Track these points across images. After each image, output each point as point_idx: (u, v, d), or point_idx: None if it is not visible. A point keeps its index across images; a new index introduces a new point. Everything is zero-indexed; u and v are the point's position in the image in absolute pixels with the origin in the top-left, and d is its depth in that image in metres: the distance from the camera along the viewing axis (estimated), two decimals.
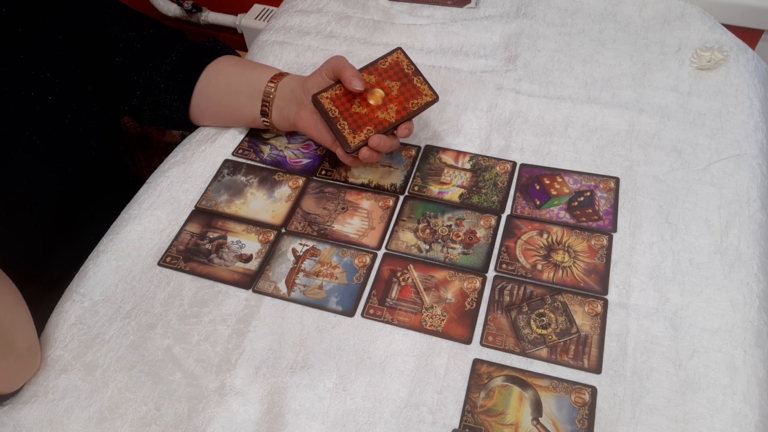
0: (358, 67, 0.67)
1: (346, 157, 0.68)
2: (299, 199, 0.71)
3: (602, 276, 0.61)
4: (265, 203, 0.71)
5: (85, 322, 0.61)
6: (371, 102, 0.67)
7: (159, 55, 0.76)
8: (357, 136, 0.66)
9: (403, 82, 0.68)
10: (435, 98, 0.68)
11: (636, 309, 0.59)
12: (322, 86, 0.67)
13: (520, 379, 0.55)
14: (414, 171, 0.73)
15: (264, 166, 0.75)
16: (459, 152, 0.74)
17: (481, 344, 0.58)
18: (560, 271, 0.62)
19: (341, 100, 0.67)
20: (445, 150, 0.75)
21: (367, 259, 0.65)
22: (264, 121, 0.74)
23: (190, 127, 0.81)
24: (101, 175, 0.77)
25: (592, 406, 0.53)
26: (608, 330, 0.58)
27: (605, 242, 0.64)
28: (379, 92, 0.67)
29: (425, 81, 0.68)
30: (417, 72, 0.68)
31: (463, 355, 0.57)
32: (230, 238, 0.68)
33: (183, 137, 0.81)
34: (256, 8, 1.65)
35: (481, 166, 0.73)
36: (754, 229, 0.63)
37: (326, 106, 0.67)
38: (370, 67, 0.68)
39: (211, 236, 0.68)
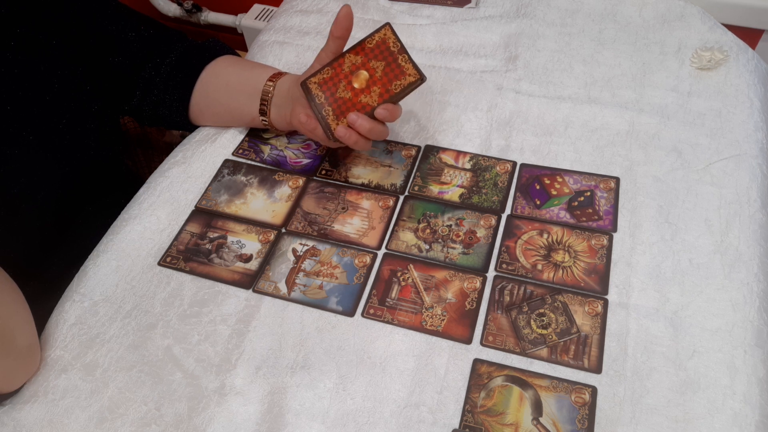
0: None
1: (330, 141, 0.67)
2: (299, 199, 0.71)
3: (602, 276, 0.61)
4: (265, 203, 0.71)
5: (85, 322, 0.61)
6: (355, 85, 0.65)
7: (158, 55, 0.76)
8: (340, 123, 0.65)
9: (387, 62, 0.65)
10: (419, 78, 0.64)
11: (636, 309, 0.59)
12: None
13: (520, 379, 0.55)
14: (414, 171, 0.73)
15: (264, 166, 0.75)
16: (459, 152, 0.74)
17: (481, 344, 0.58)
18: (560, 271, 0.62)
19: (328, 84, 0.66)
20: (445, 150, 0.75)
21: (368, 259, 0.65)
22: (263, 120, 0.74)
23: (190, 127, 0.81)
24: (101, 175, 0.77)
25: (592, 406, 0.53)
26: (608, 330, 0.58)
27: (605, 242, 0.64)
28: (364, 74, 0.65)
29: (410, 59, 0.65)
30: (402, 49, 0.65)
31: (463, 355, 0.57)
32: (230, 238, 0.68)
33: (183, 137, 0.81)
34: (256, 8, 1.65)
35: (481, 166, 0.73)
36: (754, 229, 0.63)
37: (313, 92, 0.66)
38: (357, 47, 0.66)
39: (211, 236, 0.68)
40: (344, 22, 0.64)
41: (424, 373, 0.56)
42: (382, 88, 0.65)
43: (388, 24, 0.65)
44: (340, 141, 0.66)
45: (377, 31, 0.65)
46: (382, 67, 0.65)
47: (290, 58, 0.89)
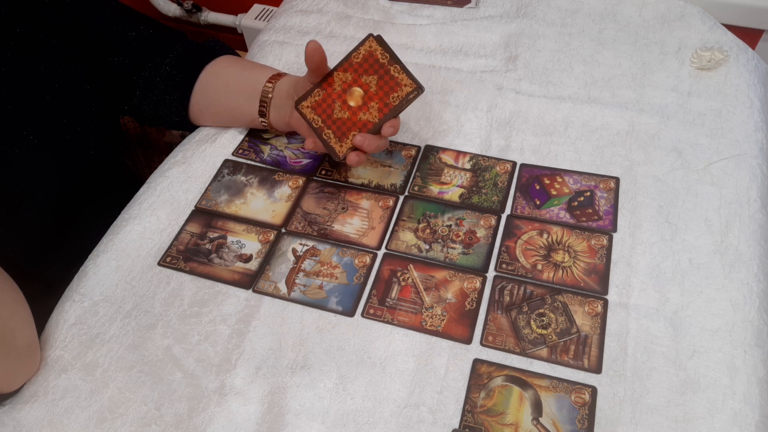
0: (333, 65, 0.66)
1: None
2: (299, 199, 0.71)
3: (602, 276, 0.61)
4: (265, 203, 0.71)
5: (85, 322, 0.61)
6: (351, 103, 0.64)
7: (158, 55, 0.76)
8: (344, 144, 0.65)
9: (380, 75, 0.63)
10: (415, 87, 0.62)
11: (636, 309, 0.59)
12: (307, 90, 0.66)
13: (520, 379, 0.55)
14: (414, 171, 0.73)
15: (264, 166, 0.75)
16: (459, 152, 0.74)
17: (481, 344, 0.58)
18: (560, 271, 0.62)
19: (322, 106, 0.65)
20: (445, 150, 0.75)
21: (367, 259, 0.65)
22: (262, 121, 0.74)
23: (190, 127, 0.81)
24: (100, 175, 0.77)
25: (592, 406, 0.53)
26: (608, 330, 0.58)
27: (605, 242, 0.64)
28: (358, 91, 0.63)
29: (403, 69, 0.63)
30: (393, 60, 0.63)
31: (463, 355, 0.57)
32: (230, 238, 0.68)
33: (183, 137, 0.81)
34: (256, 8, 1.65)
35: (481, 166, 0.73)
36: (754, 229, 0.63)
37: (309, 116, 0.65)
38: (345, 64, 0.64)
39: (211, 236, 0.68)
40: (315, 56, 0.63)
41: (424, 373, 0.56)
42: (380, 103, 0.63)
43: (371, 35, 0.64)
44: (348, 163, 0.66)
45: (361, 44, 0.64)
46: (375, 80, 0.63)
47: (290, 58, 0.89)
